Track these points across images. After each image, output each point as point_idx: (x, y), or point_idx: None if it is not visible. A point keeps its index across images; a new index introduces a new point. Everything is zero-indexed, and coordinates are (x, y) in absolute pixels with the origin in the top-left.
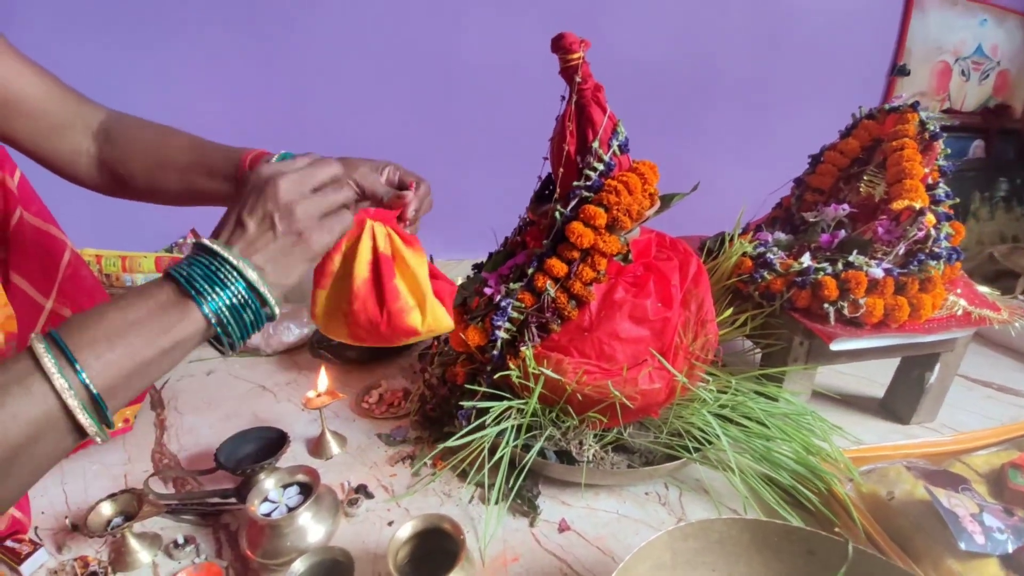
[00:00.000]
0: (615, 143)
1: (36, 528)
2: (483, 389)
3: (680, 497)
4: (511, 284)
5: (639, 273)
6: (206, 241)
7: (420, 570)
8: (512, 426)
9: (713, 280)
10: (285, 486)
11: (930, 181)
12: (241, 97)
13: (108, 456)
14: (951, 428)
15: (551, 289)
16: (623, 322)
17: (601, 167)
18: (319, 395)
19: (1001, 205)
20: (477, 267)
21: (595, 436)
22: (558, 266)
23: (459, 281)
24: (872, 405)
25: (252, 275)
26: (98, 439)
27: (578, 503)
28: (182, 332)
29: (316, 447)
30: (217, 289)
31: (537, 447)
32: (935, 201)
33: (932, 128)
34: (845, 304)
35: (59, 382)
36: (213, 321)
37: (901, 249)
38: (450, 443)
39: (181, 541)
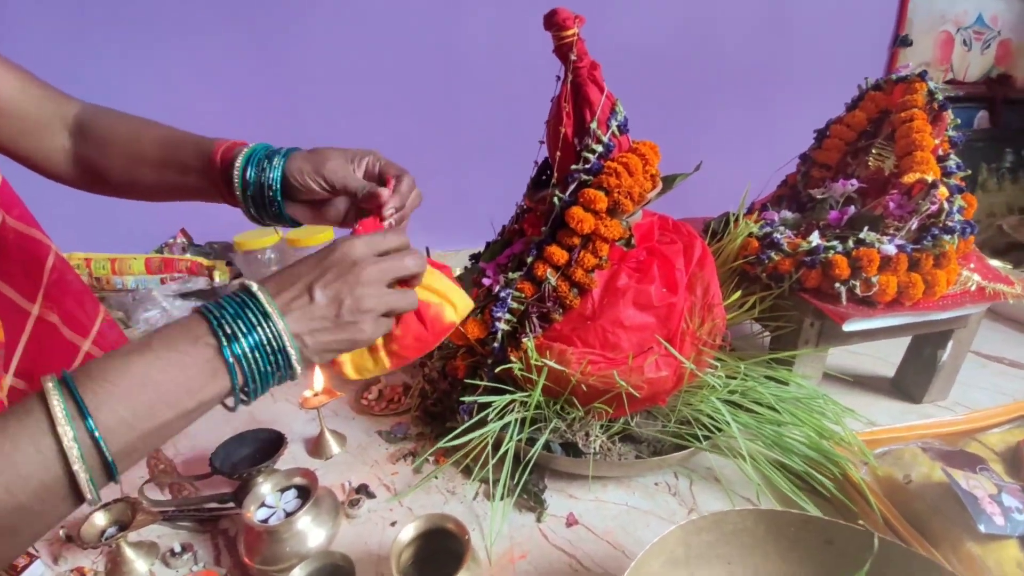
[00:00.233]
0: (614, 123)
1: None
2: (484, 383)
3: (691, 486)
4: (510, 274)
5: (642, 258)
6: (259, 293)
7: (424, 572)
8: (516, 420)
9: (718, 263)
10: (282, 490)
11: (940, 153)
12: (239, 90)
13: None
14: (964, 406)
15: (552, 277)
16: (627, 309)
17: (600, 149)
18: (316, 394)
19: (1008, 176)
20: (474, 257)
21: (601, 427)
22: (558, 253)
23: (456, 273)
24: (883, 385)
25: (293, 354)
26: (91, 504)
27: (586, 496)
28: (209, 394)
29: (315, 447)
30: (258, 358)
31: (542, 440)
32: (946, 173)
33: (940, 98)
34: (857, 283)
35: (72, 452)
36: (238, 385)
37: (914, 224)
38: (451, 441)
39: (178, 549)
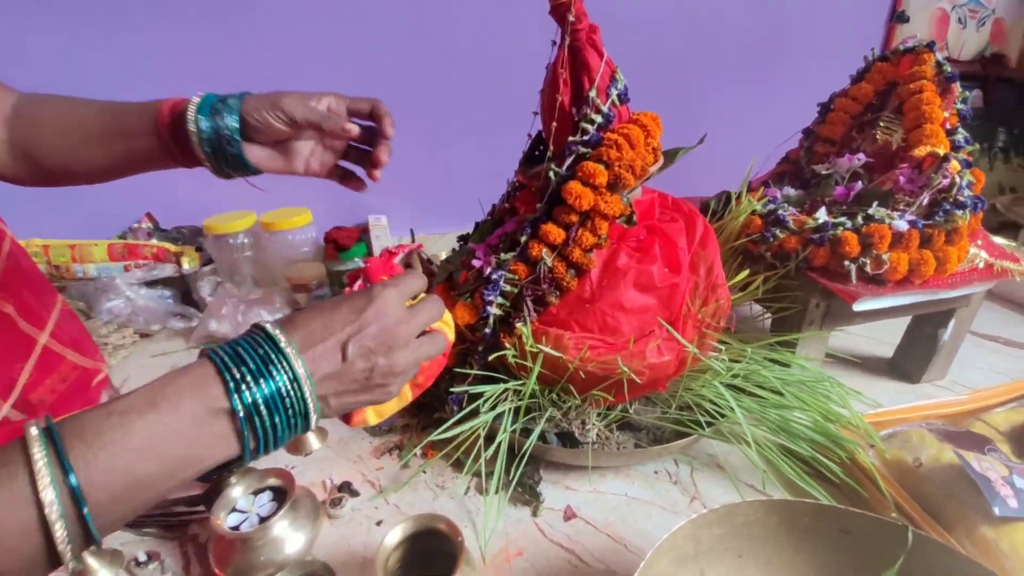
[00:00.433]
0: (614, 92)
1: None
2: (475, 371)
3: (692, 474)
4: (502, 255)
5: (642, 237)
6: (287, 349)
7: None
8: (509, 409)
9: (720, 242)
10: (256, 492)
11: (948, 127)
12: (205, 72)
13: None
14: (962, 385)
15: (547, 258)
16: (628, 291)
17: (599, 119)
18: None
19: (1000, 156)
20: (463, 238)
21: (598, 415)
22: (555, 232)
23: (444, 255)
24: (879, 365)
25: (314, 417)
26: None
27: (584, 488)
28: (215, 460)
29: (293, 443)
30: (277, 423)
31: (537, 431)
32: (955, 147)
33: (948, 69)
34: (867, 260)
35: (55, 528)
36: (249, 450)
37: (925, 199)
38: (441, 434)
39: (143, 558)
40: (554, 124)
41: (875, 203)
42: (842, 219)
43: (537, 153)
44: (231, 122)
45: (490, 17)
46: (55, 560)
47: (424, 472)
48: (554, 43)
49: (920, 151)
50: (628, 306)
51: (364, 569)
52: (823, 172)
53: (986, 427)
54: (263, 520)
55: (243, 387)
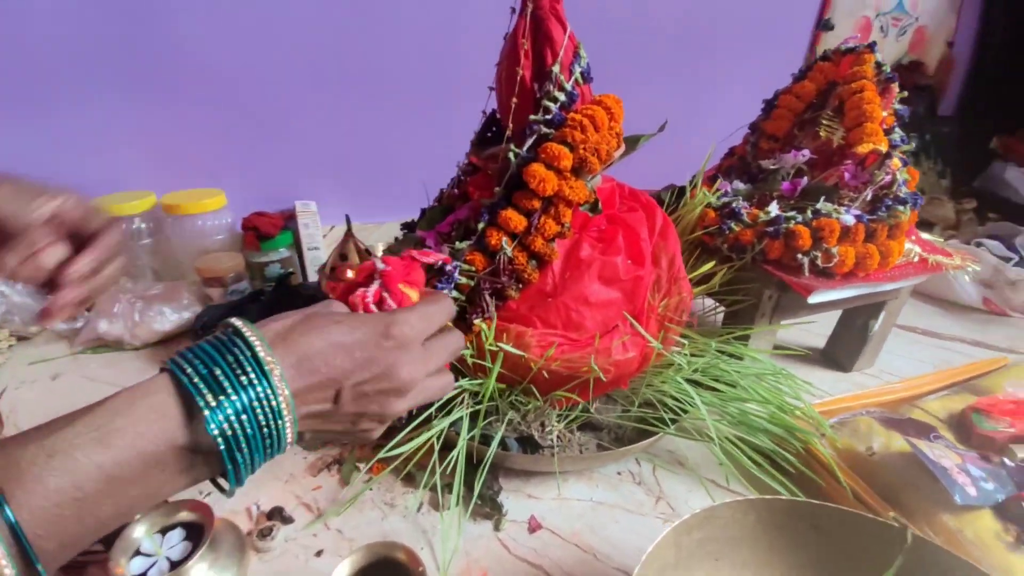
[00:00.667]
0: (577, 69)
1: None
2: None
3: (654, 471)
4: (456, 243)
5: (603, 227)
6: (276, 380)
7: None
8: (466, 414)
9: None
10: (163, 530)
11: (885, 126)
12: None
13: None
14: (889, 374)
15: (507, 247)
16: (592, 284)
17: (563, 97)
18: None
19: (910, 160)
20: (407, 226)
21: (558, 416)
22: (515, 219)
23: (380, 248)
24: (813, 355)
25: (288, 448)
26: None
27: (546, 495)
28: (174, 491)
29: None
30: (251, 462)
31: (498, 437)
32: (892, 146)
33: (888, 70)
34: (818, 254)
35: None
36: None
37: (868, 195)
38: (391, 451)
39: None
40: (514, 100)
41: (822, 198)
42: (792, 213)
43: (490, 134)
44: None
45: None
46: None
47: (370, 489)
48: (513, 10)
49: (863, 148)
50: (593, 300)
51: None
52: (770, 167)
53: (924, 414)
54: (175, 565)
55: (218, 416)
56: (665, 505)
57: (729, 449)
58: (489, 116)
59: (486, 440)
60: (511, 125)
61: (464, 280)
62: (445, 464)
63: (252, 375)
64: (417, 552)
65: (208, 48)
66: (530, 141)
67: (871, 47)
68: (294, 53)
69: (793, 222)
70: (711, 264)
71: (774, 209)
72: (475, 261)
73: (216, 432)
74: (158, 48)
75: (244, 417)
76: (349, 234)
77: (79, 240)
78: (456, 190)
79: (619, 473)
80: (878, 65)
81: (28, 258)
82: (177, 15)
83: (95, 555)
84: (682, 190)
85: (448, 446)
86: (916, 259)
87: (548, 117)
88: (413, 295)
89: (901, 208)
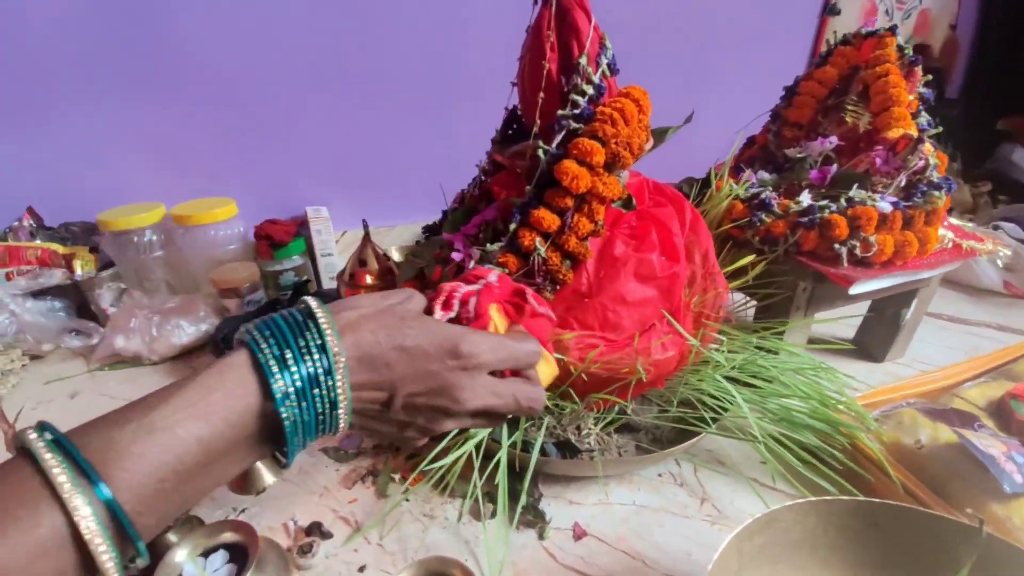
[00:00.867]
0: (603, 61)
1: None
2: None
3: (696, 472)
4: (488, 245)
5: (634, 223)
6: (339, 379)
7: None
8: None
9: None
10: (205, 553)
11: (911, 110)
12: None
13: None
14: (921, 362)
15: (541, 247)
16: (629, 282)
17: (591, 91)
18: None
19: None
20: (429, 229)
21: (594, 419)
22: (548, 218)
23: (395, 253)
24: (843, 347)
25: (338, 427)
26: None
27: (588, 500)
28: (244, 467)
29: (240, 480)
30: (307, 440)
31: (539, 442)
32: (920, 130)
33: (910, 53)
34: (856, 243)
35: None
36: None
37: (902, 181)
38: (430, 463)
39: None
40: (541, 95)
41: (855, 185)
42: (825, 202)
43: (511, 131)
44: None
45: None
46: None
47: (407, 500)
48: (536, 1)
49: (894, 133)
50: (630, 299)
51: None
52: (796, 156)
53: (965, 403)
54: None
55: (285, 398)
56: (710, 507)
57: (772, 447)
58: (510, 112)
59: (526, 446)
60: (537, 121)
61: None
62: (487, 472)
63: (319, 364)
64: (467, 566)
65: (214, 53)
66: (559, 137)
67: (892, 30)
68: (300, 57)
69: (828, 211)
70: (750, 257)
71: (806, 199)
72: (508, 263)
73: (283, 411)
74: (163, 54)
75: (304, 404)
76: (367, 239)
77: None
78: (476, 191)
79: (660, 475)
80: (900, 48)
81: None
82: (184, 22)
83: None
84: (703, 183)
85: (486, 455)
86: (950, 245)
87: (576, 111)
88: (500, 324)
89: (936, 193)
